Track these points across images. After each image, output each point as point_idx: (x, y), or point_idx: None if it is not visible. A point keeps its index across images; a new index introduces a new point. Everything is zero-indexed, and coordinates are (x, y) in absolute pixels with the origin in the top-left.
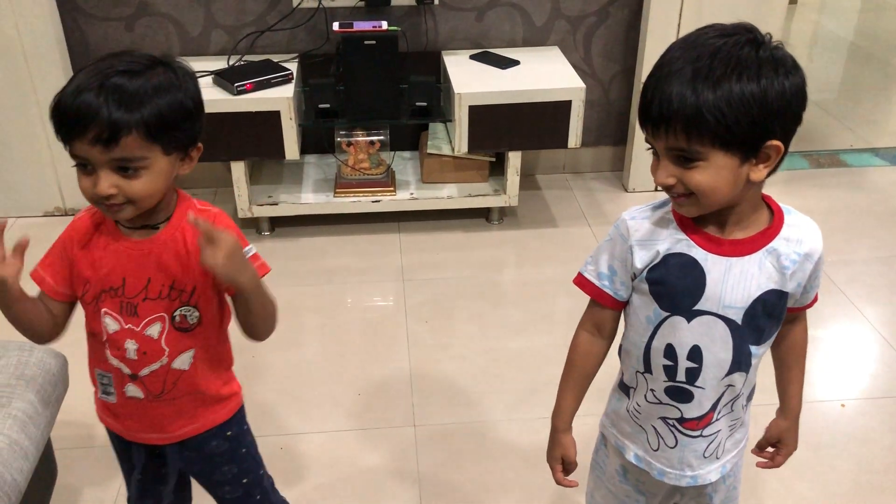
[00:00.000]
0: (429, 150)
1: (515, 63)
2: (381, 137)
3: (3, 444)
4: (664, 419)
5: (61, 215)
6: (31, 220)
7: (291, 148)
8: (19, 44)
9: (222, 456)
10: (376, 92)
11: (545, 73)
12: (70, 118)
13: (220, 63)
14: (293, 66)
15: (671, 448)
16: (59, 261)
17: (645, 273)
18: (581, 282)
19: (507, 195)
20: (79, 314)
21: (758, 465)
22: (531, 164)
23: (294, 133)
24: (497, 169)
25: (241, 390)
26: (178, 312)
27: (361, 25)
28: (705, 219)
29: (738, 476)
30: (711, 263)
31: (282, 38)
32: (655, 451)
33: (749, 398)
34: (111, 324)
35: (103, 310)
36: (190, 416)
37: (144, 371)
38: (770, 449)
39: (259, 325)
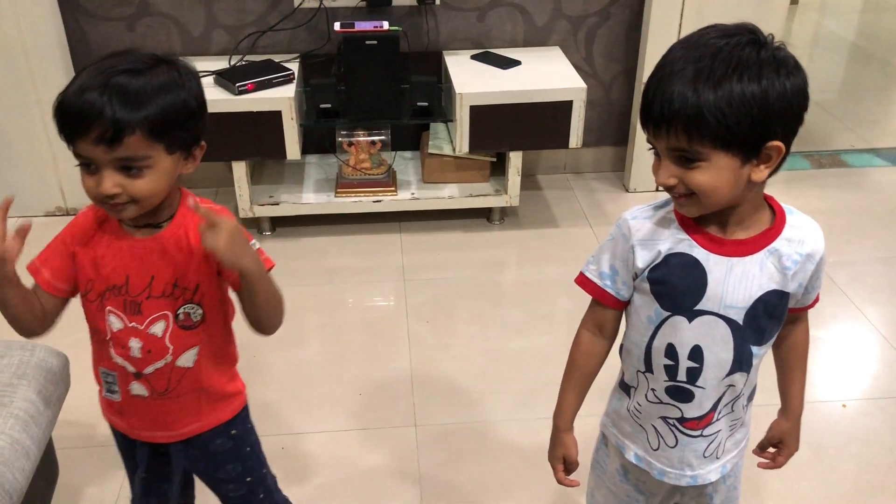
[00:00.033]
0: (430, 150)
1: (516, 63)
2: (383, 137)
3: (5, 444)
4: (664, 419)
5: (62, 215)
6: (33, 220)
7: (293, 148)
8: (20, 43)
9: (226, 454)
10: (377, 92)
11: (546, 74)
12: (73, 118)
13: (221, 63)
14: (294, 66)
15: (671, 448)
16: (58, 256)
17: (646, 273)
18: (583, 281)
19: (508, 195)
20: (79, 313)
21: (759, 465)
22: (532, 164)
23: (295, 133)
24: (498, 169)
25: (246, 389)
26: (181, 310)
27: (363, 25)
28: (707, 219)
29: (738, 476)
30: (713, 263)
31: (283, 38)
32: (655, 450)
33: (750, 398)
34: (115, 322)
35: (107, 308)
36: (195, 414)
37: (149, 369)
38: (771, 450)
39: (266, 316)
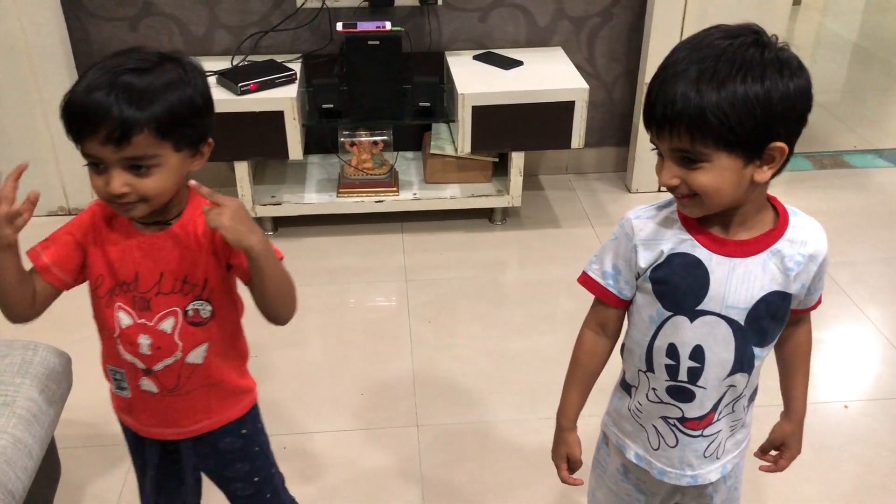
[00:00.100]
0: (432, 151)
1: (519, 64)
2: (385, 137)
3: (8, 443)
4: (665, 418)
5: (65, 215)
6: (35, 220)
7: (295, 148)
8: (24, 43)
9: (235, 453)
10: (380, 92)
11: (548, 74)
12: (81, 118)
13: (223, 63)
14: (297, 67)
15: (672, 447)
16: (62, 245)
17: (649, 272)
18: (585, 281)
19: (510, 196)
20: (81, 313)
21: (761, 468)
22: (534, 164)
23: (297, 133)
24: (500, 169)
25: (256, 387)
26: (190, 307)
27: (365, 26)
28: (710, 219)
29: (739, 477)
30: (715, 264)
31: (285, 39)
32: (656, 450)
33: (751, 399)
34: (124, 318)
35: (116, 304)
36: (204, 411)
37: (158, 366)
38: (773, 452)
39: (278, 303)
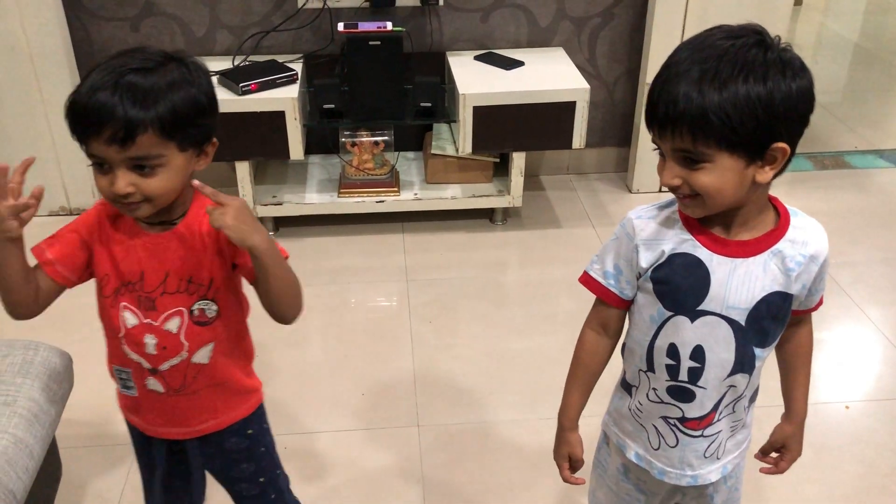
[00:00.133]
0: (433, 151)
1: (520, 64)
2: (386, 138)
3: (9, 443)
4: (665, 418)
5: (66, 214)
6: (36, 219)
7: (296, 148)
8: (25, 43)
9: (241, 453)
10: (381, 92)
11: (549, 74)
12: (85, 118)
13: (225, 63)
14: (298, 67)
15: (672, 447)
16: (67, 243)
17: (650, 272)
18: (587, 280)
19: (510, 196)
20: (82, 313)
21: (761, 470)
22: (535, 164)
23: (299, 133)
24: (501, 170)
25: (262, 387)
26: (196, 306)
27: (366, 26)
28: (711, 219)
29: (739, 477)
30: (716, 264)
31: (287, 39)
32: (656, 450)
33: (752, 400)
34: (130, 318)
35: (121, 304)
36: (210, 411)
37: (164, 366)
38: (774, 454)
39: (283, 302)
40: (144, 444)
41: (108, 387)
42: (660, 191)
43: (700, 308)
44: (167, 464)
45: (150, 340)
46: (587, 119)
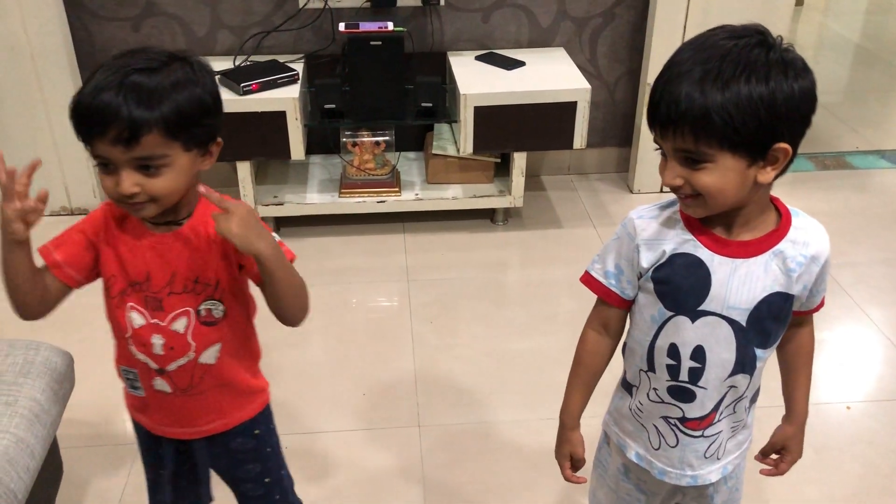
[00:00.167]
0: (434, 151)
1: (521, 64)
2: (387, 138)
3: (10, 443)
4: (666, 418)
5: (67, 215)
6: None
7: (297, 148)
8: (26, 43)
9: (247, 454)
10: (382, 92)
11: (550, 74)
12: (90, 118)
13: (226, 63)
14: (299, 67)
15: (672, 447)
16: (73, 244)
17: (651, 272)
18: (588, 280)
19: (511, 196)
20: (83, 313)
21: (762, 472)
22: (536, 165)
23: (300, 133)
24: (502, 170)
25: (269, 387)
26: (203, 306)
27: (367, 26)
28: (712, 220)
29: (740, 478)
30: (717, 264)
31: (288, 39)
32: (656, 450)
33: (753, 400)
34: (136, 318)
35: (128, 304)
36: (217, 411)
37: (172, 366)
38: (774, 456)
39: (289, 306)
40: (152, 443)
41: (109, 387)
42: (661, 191)
43: (701, 308)
44: (179, 466)
45: (157, 341)
46: (588, 119)
